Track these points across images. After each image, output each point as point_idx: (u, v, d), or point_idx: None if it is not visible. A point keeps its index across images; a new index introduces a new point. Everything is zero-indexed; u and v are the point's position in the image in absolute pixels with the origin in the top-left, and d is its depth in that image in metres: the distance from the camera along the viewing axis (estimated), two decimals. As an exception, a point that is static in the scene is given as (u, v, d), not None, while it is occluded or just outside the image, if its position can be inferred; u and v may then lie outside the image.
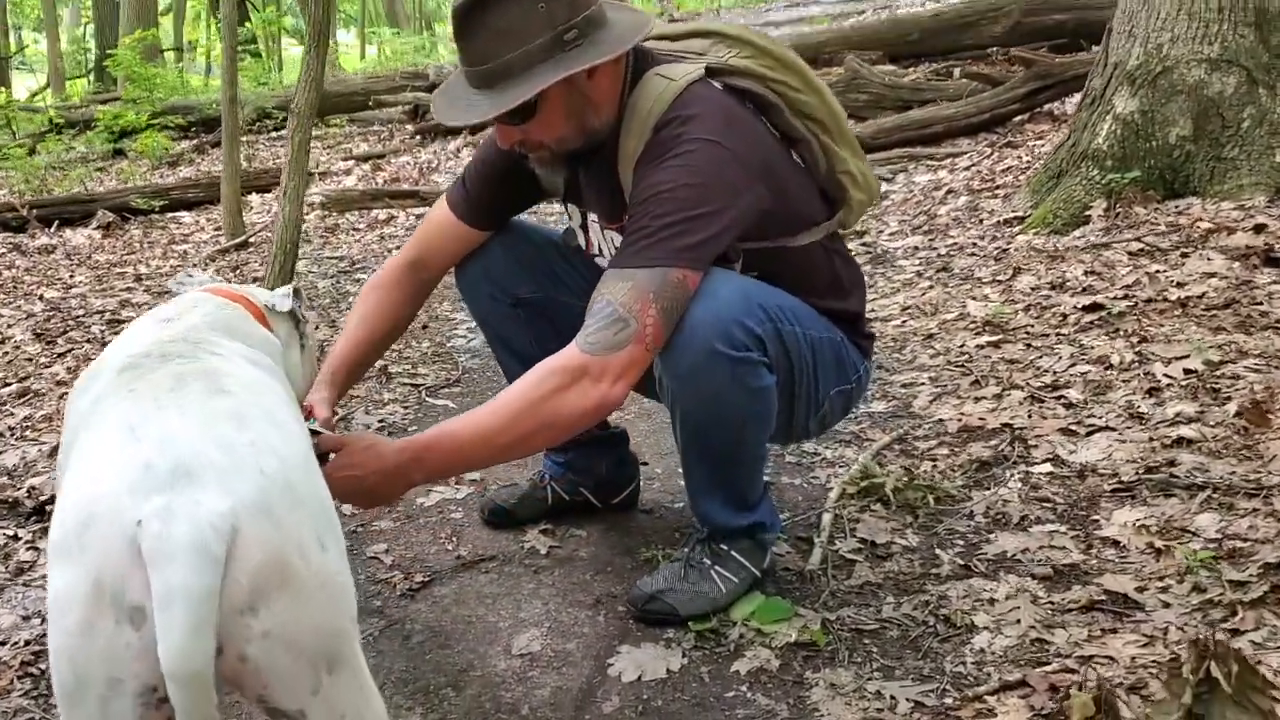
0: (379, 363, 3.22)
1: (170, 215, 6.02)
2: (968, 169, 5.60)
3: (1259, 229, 3.61)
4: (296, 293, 1.59)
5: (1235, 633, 1.72)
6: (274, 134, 8.01)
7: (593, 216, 2.02)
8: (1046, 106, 6.22)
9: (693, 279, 1.73)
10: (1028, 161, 5.43)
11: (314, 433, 1.72)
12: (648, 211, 1.73)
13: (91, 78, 10.22)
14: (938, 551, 2.14)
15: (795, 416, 1.99)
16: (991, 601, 1.93)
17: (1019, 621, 1.86)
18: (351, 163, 7.41)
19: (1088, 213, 4.24)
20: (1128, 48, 4.32)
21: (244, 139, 7.73)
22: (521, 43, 1.70)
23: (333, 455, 1.74)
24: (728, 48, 1.92)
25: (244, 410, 1.10)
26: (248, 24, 12.33)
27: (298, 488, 1.05)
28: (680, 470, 2.06)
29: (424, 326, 4.08)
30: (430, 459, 1.74)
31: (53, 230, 6.17)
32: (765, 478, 2.48)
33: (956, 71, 7.14)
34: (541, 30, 1.71)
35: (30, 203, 6.26)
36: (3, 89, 10.26)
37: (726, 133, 1.77)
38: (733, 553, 2.00)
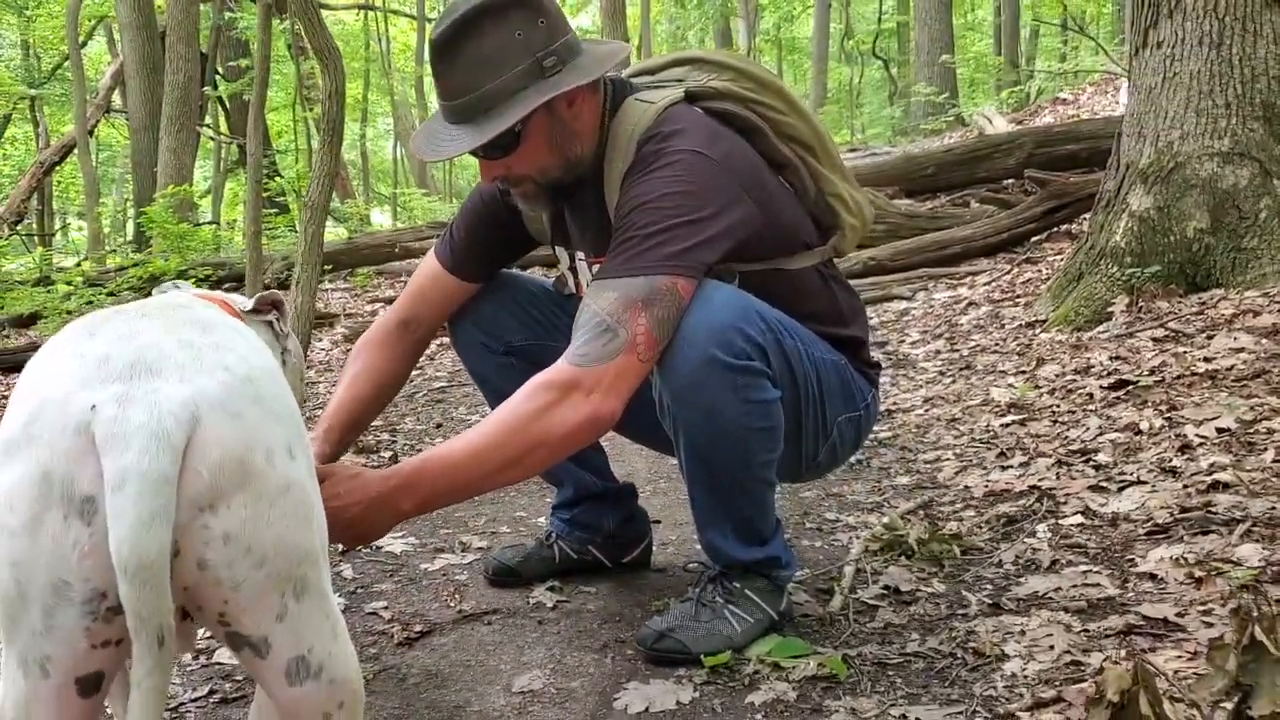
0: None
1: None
2: (988, 284, 5.60)
3: (1285, 309, 3.55)
4: (277, 305, 1.54)
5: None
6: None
7: (580, 256, 1.99)
8: (1064, 226, 6.26)
9: (684, 286, 1.68)
10: (1047, 275, 5.42)
11: None
12: (633, 223, 1.71)
13: (130, 247, 10.58)
14: (965, 594, 2.02)
15: (804, 444, 1.91)
16: (1023, 633, 1.81)
17: (1053, 648, 1.73)
18: (379, 305, 7.53)
19: (1110, 309, 4.19)
20: (1138, 148, 4.35)
21: (272, 289, 7.92)
22: (501, 71, 1.71)
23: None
24: (707, 72, 1.93)
25: (211, 319, 1.07)
26: (278, 179, 12.78)
27: (265, 391, 1.00)
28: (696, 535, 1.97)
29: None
30: (420, 485, 1.64)
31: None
32: (785, 537, 2.40)
33: (973, 202, 7.24)
34: (520, 58, 1.71)
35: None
36: (43, 250, 10.70)
37: (710, 145, 1.76)
38: (747, 591, 1.89)
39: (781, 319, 1.82)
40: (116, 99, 14.40)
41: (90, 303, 6.91)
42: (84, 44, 16.28)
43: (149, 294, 1.56)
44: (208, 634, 1.89)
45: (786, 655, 1.81)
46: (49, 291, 7.12)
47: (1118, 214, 4.36)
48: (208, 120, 14.96)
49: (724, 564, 1.90)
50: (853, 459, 3.10)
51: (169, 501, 0.89)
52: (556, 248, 2.06)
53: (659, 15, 26.48)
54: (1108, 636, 1.75)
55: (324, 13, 15.99)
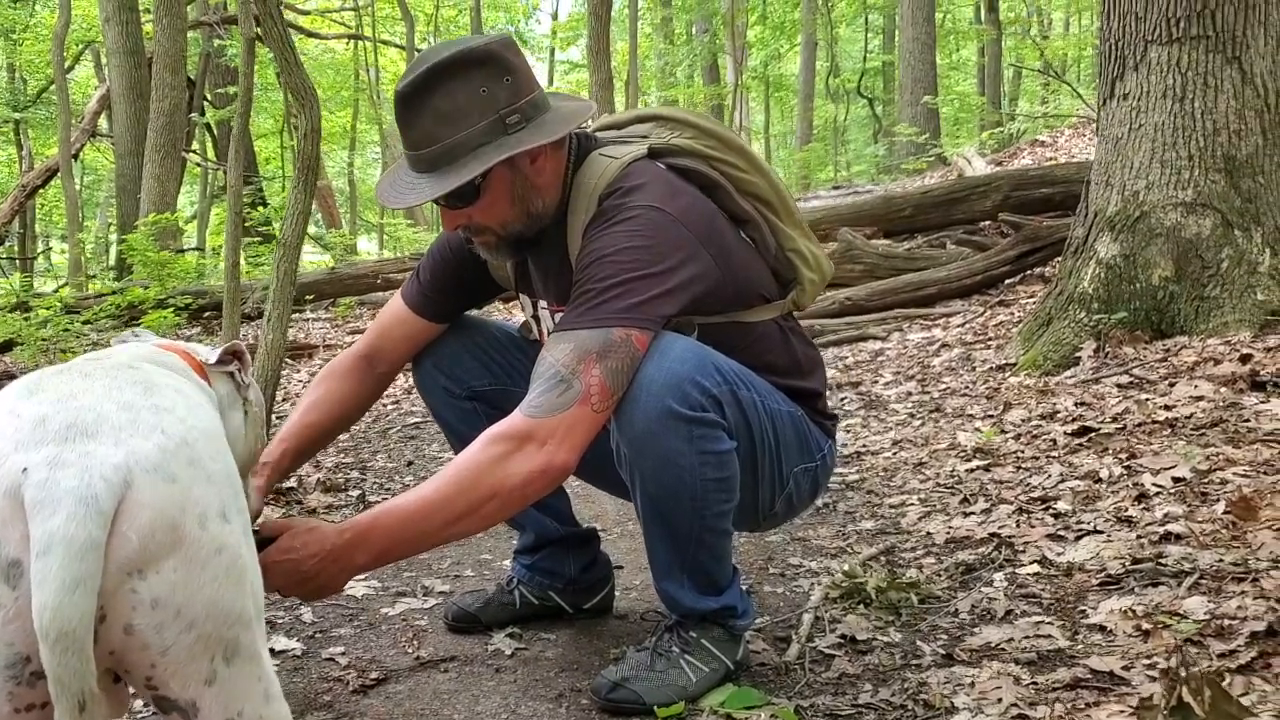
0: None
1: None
2: (961, 325, 5.65)
3: (1245, 359, 3.60)
4: (238, 355, 1.56)
5: (1226, 699, 1.62)
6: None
7: (543, 304, 2.02)
8: (1037, 269, 6.33)
9: (640, 338, 1.71)
10: (1019, 317, 5.48)
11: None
12: (590, 276, 1.74)
13: (112, 274, 10.57)
14: (920, 644, 2.04)
15: (760, 495, 1.94)
16: (973, 685, 1.83)
17: (1000, 700, 1.75)
18: (359, 336, 7.54)
19: (1077, 354, 4.25)
20: (1106, 195, 4.43)
21: (253, 321, 7.91)
22: (464, 126, 1.75)
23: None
24: (670, 130, 1.97)
25: (154, 380, 1.09)
26: (261, 208, 12.77)
27: (201, 453, 1.02)
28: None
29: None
30: (374, 539, 1.65)
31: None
32: (746, 585, 2.42)
33: (949, 244, 7.31)
34: (484, 114, 1.75)
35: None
36: (22, 275, 10.67)
37: (671, 201, 1.80)
38: (703, 641, 1.91)
39: (738, 370, 1.85)
40: (103, 123, 14.42)
41: (67, 330, 6.89)
42: (71, 68, 16.33)
43: (108, 343, 1.57)
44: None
45: (740, 706, 1.83)
46: (27, 319, 7.10)
47: (1086, 260, 4.43)
48: (194, 147, 14.99)
49: (680, 613, 1.92)
50: (818, 503, 3.14)
51: (95, 568, 0.90)
52: (521, 295, 2.09)
53: (648, 52, 26.70)
54: (1055, 689, 1.78)
55: (315, 42, 16.08)
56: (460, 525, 1.68)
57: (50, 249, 16.19)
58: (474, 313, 2.22)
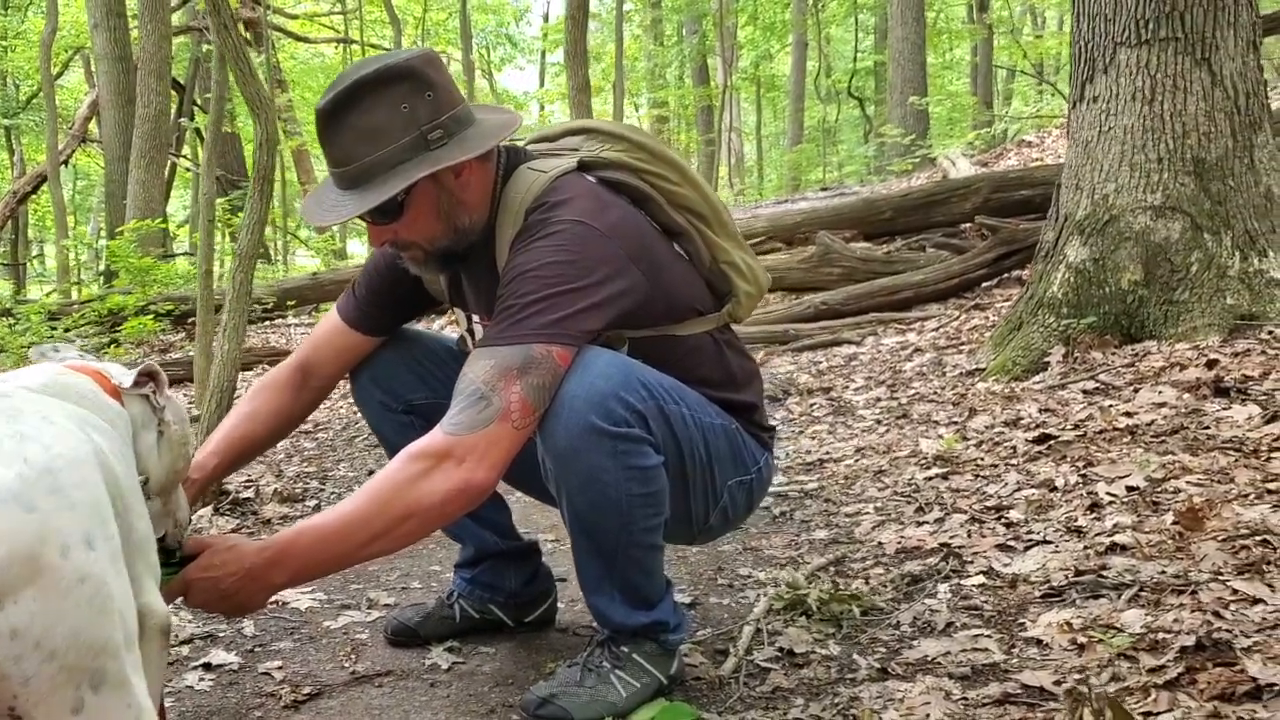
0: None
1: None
2: (935, 330, 5.64)
3: (1211, 364, 3.60)
4: (153, 376, 1.55)
5: (1149, 715, 1.61)
6: (264, 321, 8.18)
7: (476, 318, 2.01)
8: (1014, 273, 6.32)
9: (561, 355, 1.70)
10: (994, 321, 5.47)
11: (165, 550, 1.65)
12: (513, 291, 1.73)
13: (101, 279, 10.56)
14: (856, 658, 2.03)
15: (693, 508, 1.93)
16: (903, 700, 1.82)
17: (928, 716, 1.74)
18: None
19: (1046, 359, 4.24)
20: (1075, 199, 4.42)
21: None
22: (384, 143, 1.74)
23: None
24: (600, 143, 1.96)
25: (20, 407, 1.08)
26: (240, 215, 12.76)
27: (65, 481, 1.01)
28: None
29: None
30: (292, 558, 1.64)
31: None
32: (691, 596, 2.41)
33: (928, 247, 7.30)
34: (404, 130, 1.74)
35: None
36: (13, 284, 10.67)
37: (596, 215, 1.79)
38: (635, 656, 1.90)
39: (666, 384, 1.83)
40: (95, 129, 14.40)
41: (49, 337, 6.88)
42: (61, 74, 16.30)
43: (30, 360, 1.56)
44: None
45: (668, 721, 1.82)
46: (11, 326, 7.10)
47: (1056, 264, 4.42)
48: (185, 151, 14.97)
49: (611, 628, 1.91)
50: (775, 511, 3.13)
51: None
52: (455, 309, 2.08)
53: (637, 54, 26.70)
54: (984, 705, 1.77)
55: (304, 45, 16.05)
56: (379, 544, 1.67)
57: (43, 255, 16.17)
58: (412, 326, 2.20)
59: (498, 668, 2.11)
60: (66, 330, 6.72)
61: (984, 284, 6.30)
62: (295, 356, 2.14)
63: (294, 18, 15.64)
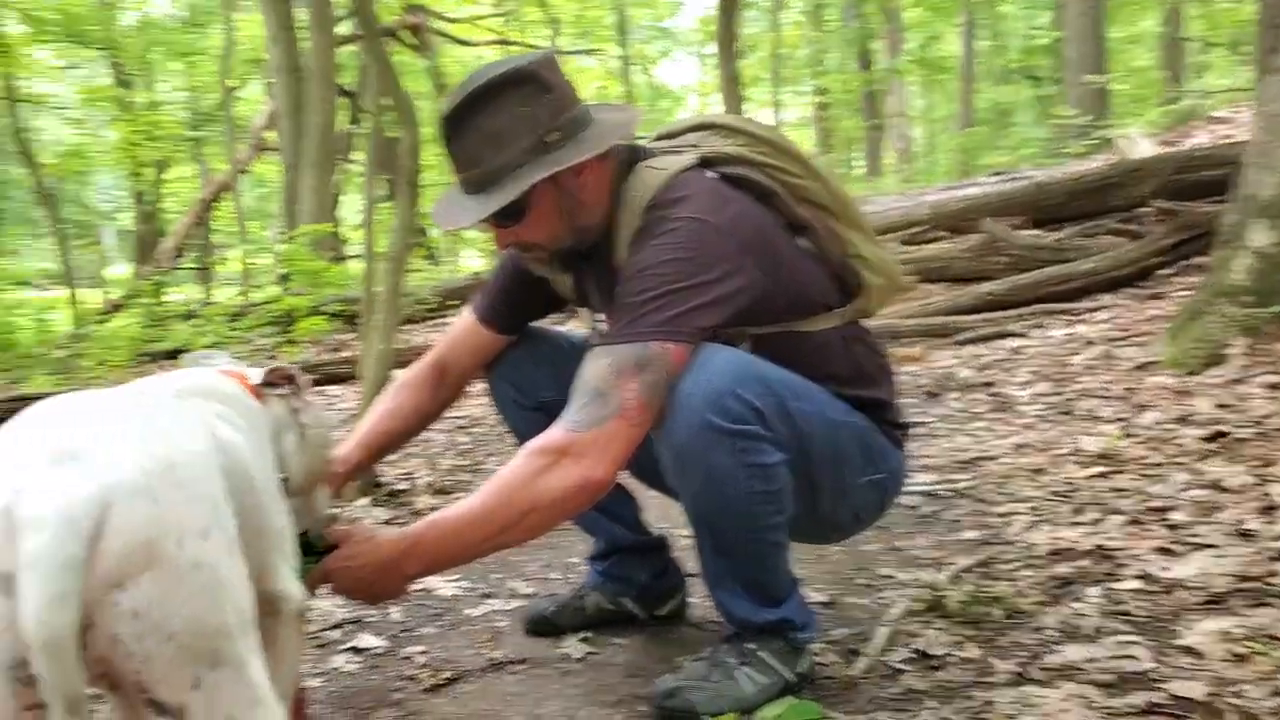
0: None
1: (318, 387, 6.41)
2: (1107, 321, 5.38)
3: None
4: (290, 379, 1.63)
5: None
6: (426, 320, 8.46)
7: (600, 316, 2.03)
8: (1195, 259, 5.96)
9: (677, 352, 1.70)
10: (1171, 312, 5.18)
11: (308, 541, 1.74)
12: (630, 290, 1.74)
13: (279, 283, 11.14)
14: (995, 662, 1.96)
15: (820, 507, 1.90)
16: (1039, 706, 1.75)
17: (1065, 725, 1.67)
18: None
19: (1225, 351, 3.98)
20: (1260, 179, 4.14)
21: (405, 325, 8.16)
22: (504, 147, 1.77)
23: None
24: (722, 138, 1.94)
25: (147, 406, 1.15)
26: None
27: (184, 476, 1.07)
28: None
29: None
30: (423, 549, 1.71)
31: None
32: (828, 596, 2.38)
33: (1103, 234, 6.96)
34: (524, 134, 1.77)
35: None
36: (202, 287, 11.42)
37: (715, 211, 1.78)
38: (761, 653, 1.88)
39: (789, 381, 1.81)
40: (274, 137, 15.18)
41: (229, 338, 7.26)
42: (240, 87, 17.23)
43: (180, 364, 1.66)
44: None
45: (794, 719, 1.80)
46: (198, 328, 7.57)
47: (1237, 250, 4.15)
48: (354, 156, 15.58)
49: (736, 624, 1.90)
50: (923, 511, 3.05)
51: (74, 583, 0.96)
52: (581, 308, 2.11)
53: (798, 41, 26.37)
54: (1128, 714, 1.69)
55: (465, 48, 16.48)
56: (503, 537, 1.71)
57: (227, 259, 17.20)
58: (542, 323, 2.24)
59: (629, 659, 2.13)
60: (246, 330, 7.12)
61: (1161, 271, 5.97)
62: (432, 354, 2.20)
63: (456, 21, 16.10)
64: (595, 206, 1.88)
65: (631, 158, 1.91)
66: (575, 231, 1.88)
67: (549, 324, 2.27)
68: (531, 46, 15.46)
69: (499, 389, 2.19)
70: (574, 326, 2.48)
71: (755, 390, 1.73)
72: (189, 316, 8.00)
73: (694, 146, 1.94)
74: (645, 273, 1.74)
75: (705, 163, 1.89)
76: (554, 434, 1.69)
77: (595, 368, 1.70)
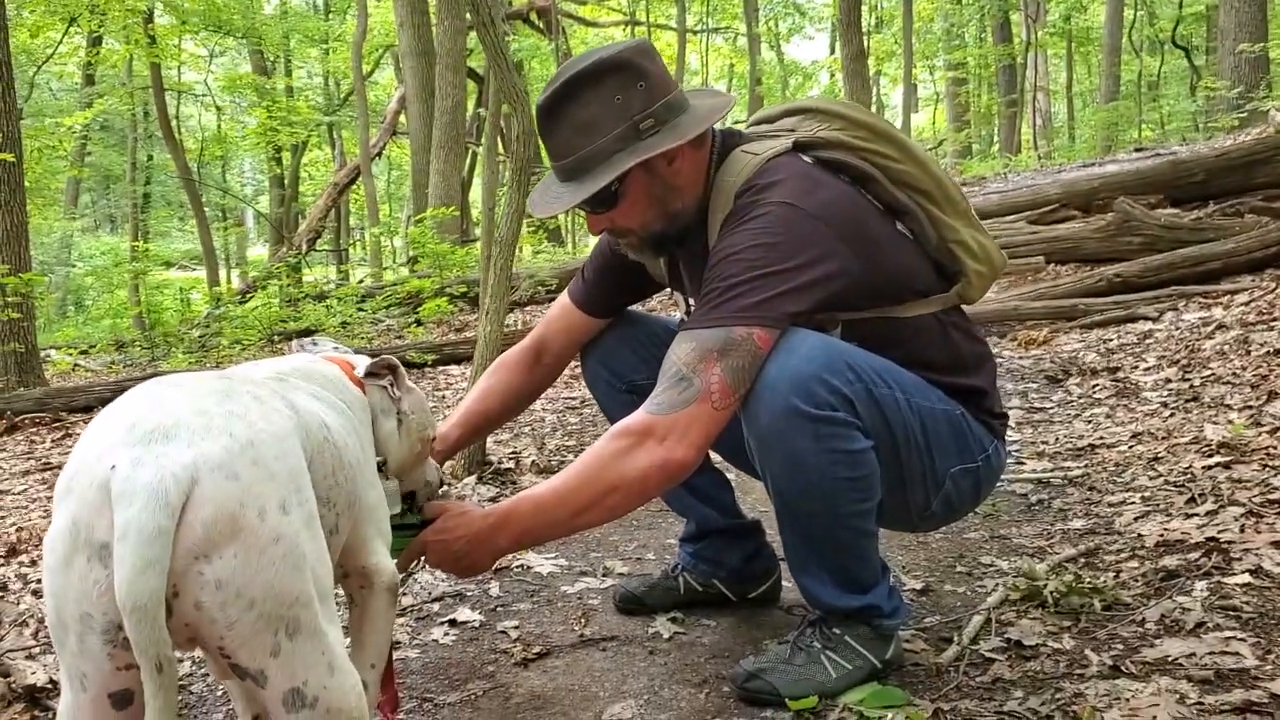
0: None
1: (440, 369, 6.59)
2: (1245, 304, 5.14)
3: None
4: (392, 369, 1.71)
5: None
6: (548, 303, 8.60)
7: (693, 300, 2.04)
8: (1345, 239, 5.65)
9: (762, 336, 1.71)
10: (1315, 293, 4.93)
11: (411, 508, 1.82)
12: (717, 274, 1.75)
13: (408, 265, 11.45)
14: (1089, 654, 1.92)
15: (911, 495, 1.88)
16: (1129, 700, 1.71)
17: (1154, 719, 1.63)
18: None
19: (1369, 335, 3.79)
20: None
21: (523, 307, 8.32)
22: (598, 135, 1.80)
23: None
24: (818, 122, 1.93)
25: (234, 389, 1.22)
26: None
27: (265, 454, 1.13)
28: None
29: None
30: (513, 524, 1.77)
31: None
32: (923, 583, 2.36)
33: (1246, 212, 6.64)
34: (617, 122, 1.80)
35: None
36: (336, 269, 11.85)
37: (805, 196, 1.77)
38: (847, 638, 1.88)
39: (878, 367, 1.80)
40: (405, 122, 15.59)
41: (355, 317, 7.48)
42: (372, 73, 17.71)
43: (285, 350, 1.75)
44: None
45: (878, 705, 1.79)
46: (329, 309, 7.86)
47: (1384, 229, 3.92)
48: (484, 140, 15.86)
49: (821, 609, 1.90)
50: (1032, 499, 2.99)
51: (163, 552, 1.03)
52: (674, 292, 2.13)
53: (933, 15, 25.71)
54: (1221, 712, 1.63)
55: (592, 30, 16.60)
56: (587, 515, 1.75)
57: (362, 242, 17.78)
58: (638, 308, 2.28)
59: (716, 640, 2.15)
60: (373, 311, 7.36)
61: (1307, 252, 5.67)
62: (530, 337, 2.26)
63: (584, 3, 16.22)
64: (689, 192, 1.90)
65: (727, 143, 1.92)
66: (668, 217, 1.90)
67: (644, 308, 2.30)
68: (660, 27, 15.48)
69: (592, 371, 2.24)
70: (672, 312, 2.51)
71: (842, 376, 1.72)
72: (321, 297, 8.30)
73: (790, 131, 1.93)
74: (732, 258, 1.74)
75: (800, 147, 1.89)
76: (637, 416, 1.72)
77: (680, 351, 1.73)
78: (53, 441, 5.55)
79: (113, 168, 21.63)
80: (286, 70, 19.59)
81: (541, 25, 14.12)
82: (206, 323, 8.91)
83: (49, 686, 2.04)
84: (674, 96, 1.86)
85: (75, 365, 9.06)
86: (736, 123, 2.02)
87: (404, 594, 2.48)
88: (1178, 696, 1.69)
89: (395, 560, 1.59)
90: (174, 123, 13.07)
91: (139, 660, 1.04)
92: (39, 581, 2.73)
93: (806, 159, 1.88)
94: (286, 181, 17.70)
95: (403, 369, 1.74)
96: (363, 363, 1.72)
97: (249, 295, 10.55)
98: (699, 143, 1.89)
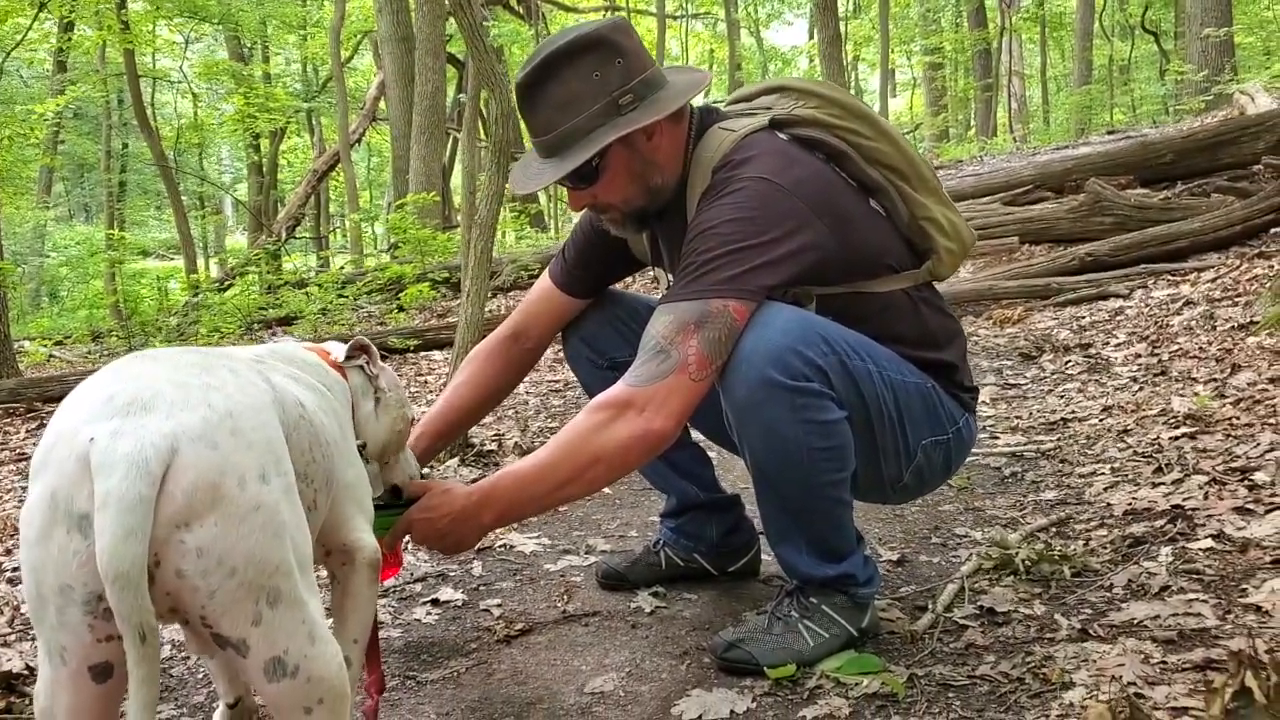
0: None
1: (423, 354, 6.60)
2: (1211, 281, 5.23)
3: None
4: (365, 349, 1.74)
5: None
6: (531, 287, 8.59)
7: (672, 277, 2.08)
8: (1311, 216, 5.74)
9: (738, 309, 1.75)
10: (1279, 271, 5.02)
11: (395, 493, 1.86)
12: (694, 249, 1.79)
13: (390, 251, 11.43)
14: (1059, 619, 1.97)
15: (883, 466, 1.93)
16: (1097, 661, 1.77)
17: (1119, 679, 1.69)
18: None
19: (1331, 310, 3.87)
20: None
21: (506, 292, 8.33)
22: (578, 111, 1.83)
23: None
24: (794, 100, 1.97)
25: (211, 363, 1.24)
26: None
27: (243, 424, 1.16)
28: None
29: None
30: (495, 499, 1.80)
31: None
32: (899, 554, 2.41)
33: (1212, 192, 6.73)
34: (596, 98, 1.83)
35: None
36: (322, 254, 11.83)
37: (780, 172, 1.81)
38: (824, 607, 1.93)
39: (852, 340, 1.84)
40: (385, 107, 15.51)
41: (334, 305, 7.47)
42: (350, 59, 17.61)
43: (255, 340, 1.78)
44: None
45: (854, 672, 1.84)
46: (309, 295, 7.85)
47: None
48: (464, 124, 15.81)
49: (798, 578, 1.95)
50: (1005, 472, 3.05)
51: (144, 520, 1.05)
52: (655, 269, 2.17)
53: (909, 0, 25.75)
54: (1183, 670, 1.69)
55: (572, 15, 16.57)
56: (570, 488, 1.79)
57: (343, 228, 17.71)
58: (618, 287, 2.31)
59: (697, 614, 2.20)
60: (354, 297, 7.35)
61: (1273, 230, 5.76)
62: (507, 323, 2.28)
63: (561, -13, 16.22)
64: (668, 167, 1.93)
65: (705, 120, 1.96)
66: (648, 192, 1.93)
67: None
68: (639, 13, 15.44)
69: (574, 349, 2.27)
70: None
71: (817, 349, 1.77)
72: (301, 285, 8.28)
73: (766, 109, 1.97)
74: (708, 232, 1.78)
75: (776, 124, 1.93)
76: (616, 389, 1.76)
77: (658, 325, 1.76)
78: (27, 432, 5.53)
79: (87, 156, 21.44)
80: (264, 56, 19.47)
81: (521, 10, 14.10)
82: (185, 311, 8.89)
83: (25, 673, 2.06)
84: (652, 73, 1.89)
85: (50, 356, 9.01)
86: (715, 102, 2.05)
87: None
88: (1143, 656, 1.75)
89: (380, 540, 1.63)
90: (149, 110, 12.95)
91: (122, 630, 1.05)
92: (15, 570, 2.73)
93: (782, 136, 1.92)
94: (265, 169, 17.60)
95: (374, 349, 1.77)
96: (340, 349, 1.75)
97: (228, 283, 10.52)
98: (677, 118, 1.93)
